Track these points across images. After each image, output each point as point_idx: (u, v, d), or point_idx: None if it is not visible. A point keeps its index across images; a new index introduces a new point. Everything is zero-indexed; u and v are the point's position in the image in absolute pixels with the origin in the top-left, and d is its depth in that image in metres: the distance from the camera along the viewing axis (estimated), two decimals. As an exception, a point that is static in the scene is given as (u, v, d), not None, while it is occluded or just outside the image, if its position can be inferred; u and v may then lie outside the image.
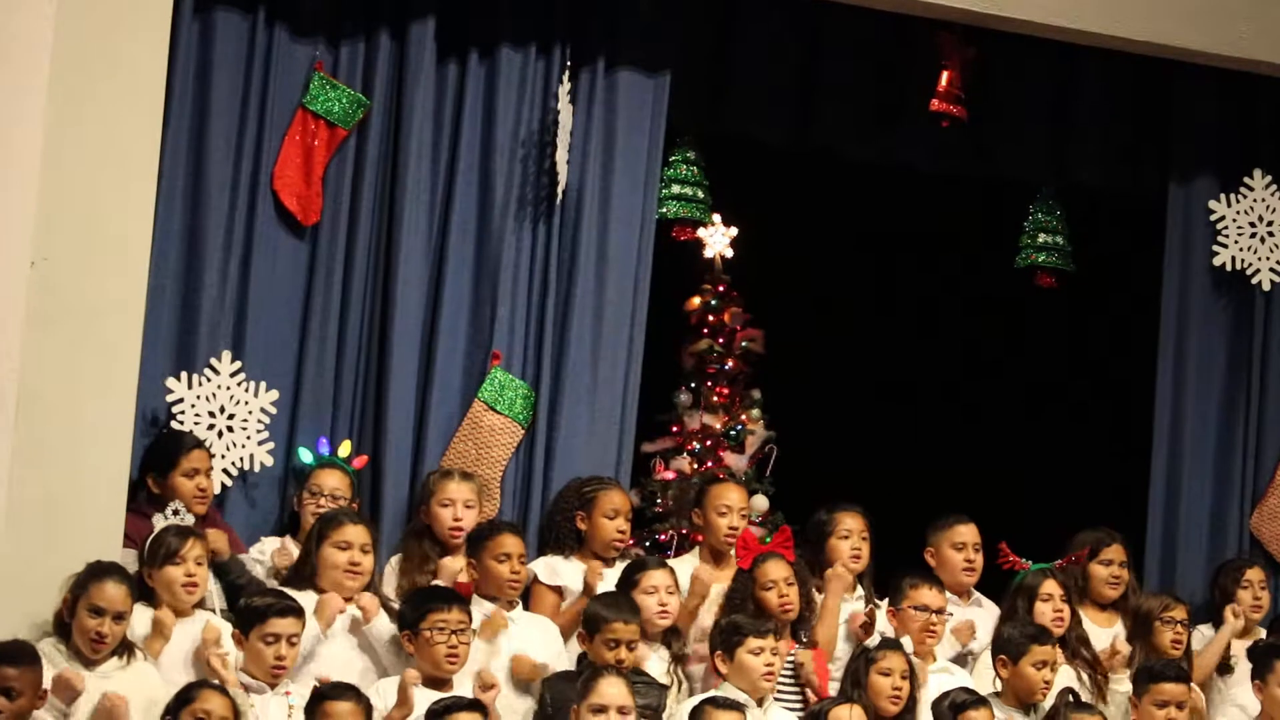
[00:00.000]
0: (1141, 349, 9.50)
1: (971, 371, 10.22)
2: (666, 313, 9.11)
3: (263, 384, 8.02)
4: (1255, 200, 9.39)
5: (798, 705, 7.68)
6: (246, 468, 7.99)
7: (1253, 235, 9.38)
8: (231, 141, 8.05)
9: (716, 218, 9.30)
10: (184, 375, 7.89)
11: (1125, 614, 8.59)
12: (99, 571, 6.85)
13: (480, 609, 7.48)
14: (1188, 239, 9.37)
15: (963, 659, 8.20)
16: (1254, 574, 8.88)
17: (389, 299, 8.28)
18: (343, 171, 8.24)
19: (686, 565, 8.11)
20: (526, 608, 7.81)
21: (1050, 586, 8.20)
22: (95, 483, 7.17)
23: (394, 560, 7.91)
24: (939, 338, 10.23)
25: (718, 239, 9.35)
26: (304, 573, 7.45)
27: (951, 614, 8.16)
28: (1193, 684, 8.16)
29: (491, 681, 7.16)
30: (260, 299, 8.08)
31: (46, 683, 6.59)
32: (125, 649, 6.87)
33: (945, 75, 9.00)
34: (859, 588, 8.26)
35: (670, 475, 9.08)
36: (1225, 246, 9.32)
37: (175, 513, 7.20)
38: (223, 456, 7.92)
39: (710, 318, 9.39)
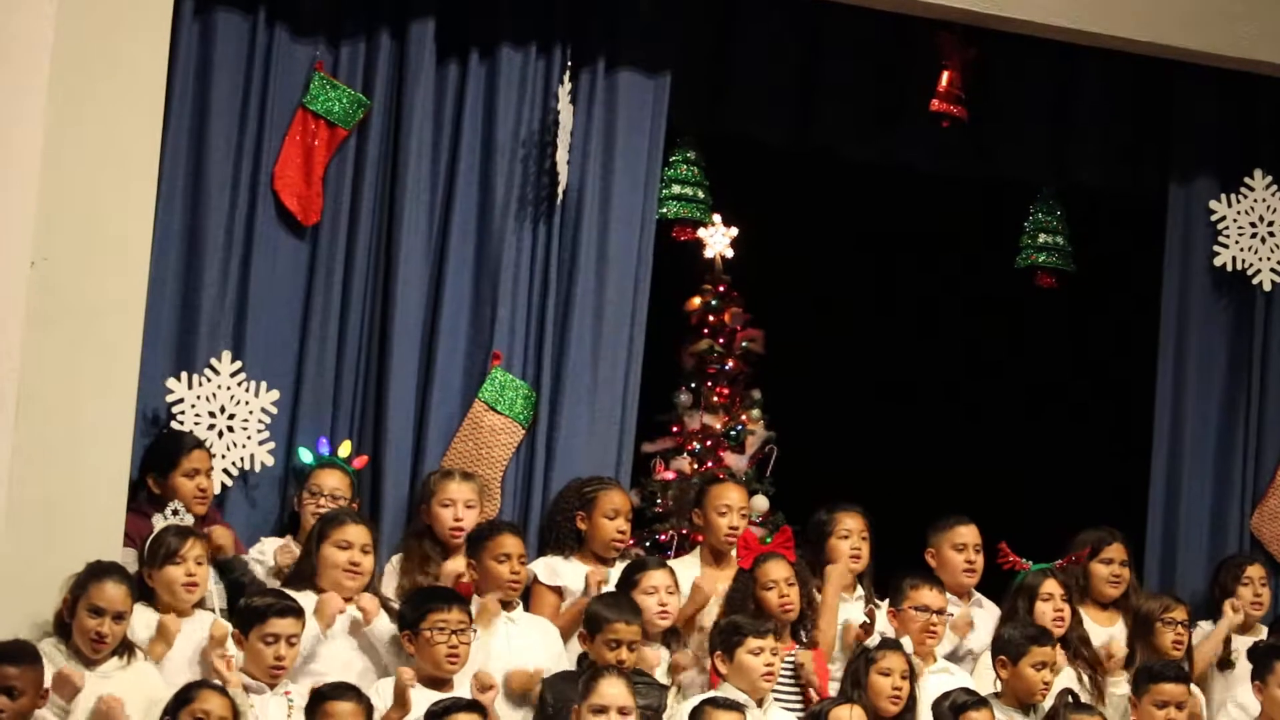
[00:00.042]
0: (1142, 349, 9.50)
1: (972, 372, 10.22)
2: (667, 313, 9.11)
3: (263, 384, 8.02)
4: (1256, 200, 9.39)
5: (797, 706, 7.67)
6: (247, 468, 8.00)
7: (1253, 235, 9.38)
8: (231, 141, 8.05)
9: (717, 218, 9.30)
10: (184, 375, 7.89)
11: (1126, 612, 8.59)
12: (99, 571, 6.85)
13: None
14: (1188, 239, 9.37)
15: (955, 655, 8.19)
16: (1254, 570, 8.89)
17: (389, 299, 8.29)
18: (343, 171, 8.24)
19: (687, 565, 8.12)
20: (527, 608, 7.81)
21: (1051, 586, 8.20)
22: (95, 483, 7.17)
23: (394, 560, 7.91)
24: (939, 338, 10.23)
25: (718, 239, 9.35)
26: (304, 572, 7.44)
27: (952, 614, 8.16)
28: (1192, 685, 8.16)
29: (490, 683, 7.16)
30: (260, 299, 8.08)
31: (48, 682, 6.59)
32: (125, 649, 6.87)
33: (945, 75, 9.00)
34: (859, 588, 8.27)
35: (670, 475, 9.08)
36: (1226, 247, 9.32)
37: (175, 513, 7.20)
38: (223, 456, 7.93)
39: (710, 318, 9.39)
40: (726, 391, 9.31)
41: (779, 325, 9.52)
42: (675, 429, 9.24)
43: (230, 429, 7.95)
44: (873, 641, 7.69)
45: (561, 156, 8.35)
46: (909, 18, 8.84)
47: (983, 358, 10.20)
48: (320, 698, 6.84)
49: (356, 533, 7.43)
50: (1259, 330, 9.41)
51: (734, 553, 8.15)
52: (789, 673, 7.68)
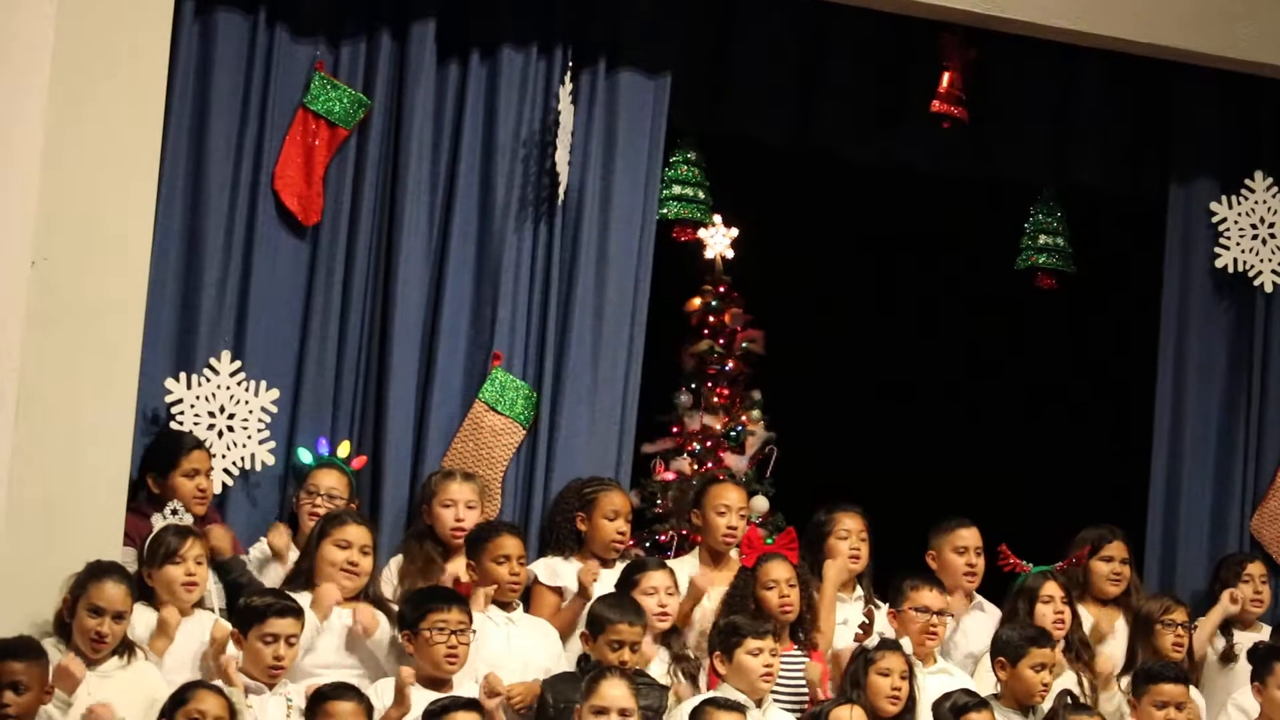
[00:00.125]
0: (1142, 350, 9.50)
1: (972, 372, 10.22)
2: (667, 313, 9.11)
3: (263, 383, 8.02)
4: (1256, 202, 9.39)
5: (797, 706, 7.67)
6: (247, 467, 8.00)
7: (1254, 237, 9.38)
8: (232, 141, 8.05)
9: (717, 218, 9.30)
10: (184, 375, 7.89)
11: (1127, 610, 8.59)
12: (98, 571, 6.85)
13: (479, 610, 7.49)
14: (1188, 240, 9.37)
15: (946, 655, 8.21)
16: (1255, 568, 8.90)
17: (389, 299, 8.29)
18: (343, 171, 8.25)
19: (686, 566, 8.11)
20: (527, 609, 7.81)
21: (1051, 589, 8.19)
22: (95, 483, 7.17)
23: (394, 562, 7.90)
24: (939, 338, 10.23)
25: (718, 240, 9.35)
26: (303, 572, 7.44)
27: (953, 615, 8.16)
28: (1192, 688, 8.17)
29: (499, 689, 7.16)
30: (261, 299, 8.09)
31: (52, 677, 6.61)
32: (126, 648, 6.87)
33: (946, 76, 8.99)
34: (858, 588, 8.27)
35: (670, 476, 9.08)
36: (1227, 248, 9.32)
37: (174, 512, 7.20)
38: (223, 456, 7.93)
39: (711, 318, 9.39)
40: (727, 392, 9.31)
41: (779, 326, 9.51)
42: (675, 430, 9.24)
43: (230, 429, 7.96)
44: (872, 642, 7.68)
45: (562, 157, 8.36)
46: (910, 18, 8.84)
47: (983, 358, 10.21)
48: (320, 698, 6.84)
49: (357, 533, 7.43)
50: (1259, 331, 9.41)
51: (733, 553, 8.16)
52: (788, 673, 7.68)
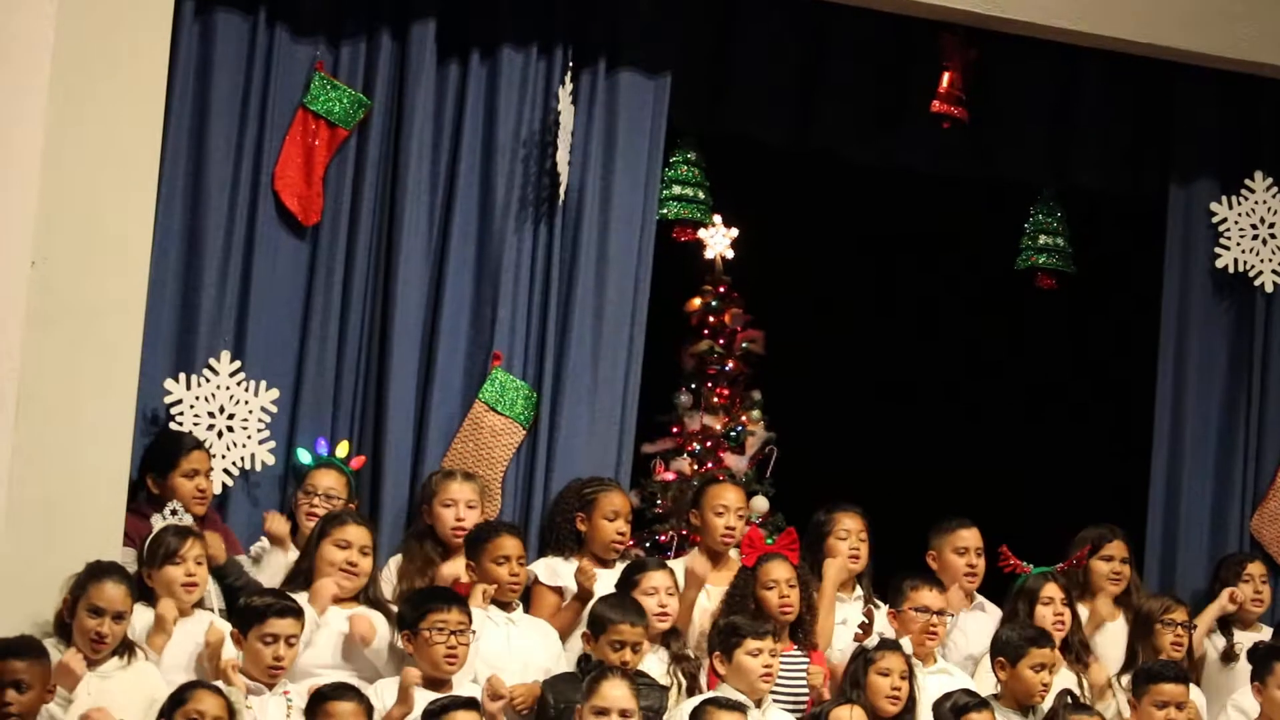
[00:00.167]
0: (1142, 350, 9.50)
1: (972, 372, 10.21)
2: (667, 313, 9.11)
3: (263, 383, 8.02)
4: (1256, 202, 9.39)
5: (796, 707, 7.67)
6: (247, 467, 8.00)
7: (1254, 237, 9.38)
8: (232, 141, 8.05)
9: (717, 218, 9.30)
10: (183, 376, 7.89)
11: (1128, 610, 8.59)
12: (98, 571, 6.85)
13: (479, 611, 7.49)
14: (1188, 241, 9.37)
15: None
16: (1255, 568, 8.91)
17: (389, 299, 8.29)
18: (343, 172, 8.25)
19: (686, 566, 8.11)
20: (527, 609, 7.80)
21: (1051, 590, 8.19)
22: (95, 483, 7.17)
23: (393, 561, 7.90)
24: (939, 339, 10.22)
25: (718, 240, 9.35)
26: (302, 572, 7.44)
27: (953, 615, 8.16)
28: (1192, 686, 8.18)
29: (502, 691, 7.16)
30: (261, 299, 8.09)
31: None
32: (126, 649, 6.87)
33: (946, 76, 8.99)
34: (857, 588, 8.27)
35: (670, 476, 9.08)
36: (1227, 249, 9.32)
37: (174, 513, 7.20)
38: (223, 456, 7.93)
39: (711, 319, 9.39)
40: (726, 392, 9.31)
41: (779, 326, 9.51)
42: (675, 430, 9.24)
43: (230, 429, 7.96)
44: (871, 642, 7.68)
45: (563, 157, 8.35)
46: (910, 19, 8.84)
47: (983, 358, 10.20)
48: (320, 698, 6.85)
49: (357, 533, 7.43)
50: (1259, 331, 9.41)
51: (732, 553, 8.16)
52: (787, 674, 7.68)
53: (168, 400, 7.86)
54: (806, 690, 7.72)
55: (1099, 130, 9.36)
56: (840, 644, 7.96)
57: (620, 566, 7.97)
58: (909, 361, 10.12)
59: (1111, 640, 8.51)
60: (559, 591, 7.95)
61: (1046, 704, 7.79)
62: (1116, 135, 9.39)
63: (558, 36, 8.49)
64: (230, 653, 6.96)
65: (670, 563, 8.05)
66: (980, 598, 8.48)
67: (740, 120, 9.03)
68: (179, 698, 6.64)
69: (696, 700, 7.32)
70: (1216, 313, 9.39)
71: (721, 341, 9.35)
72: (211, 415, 7.92)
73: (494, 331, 8.36)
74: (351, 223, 8.24)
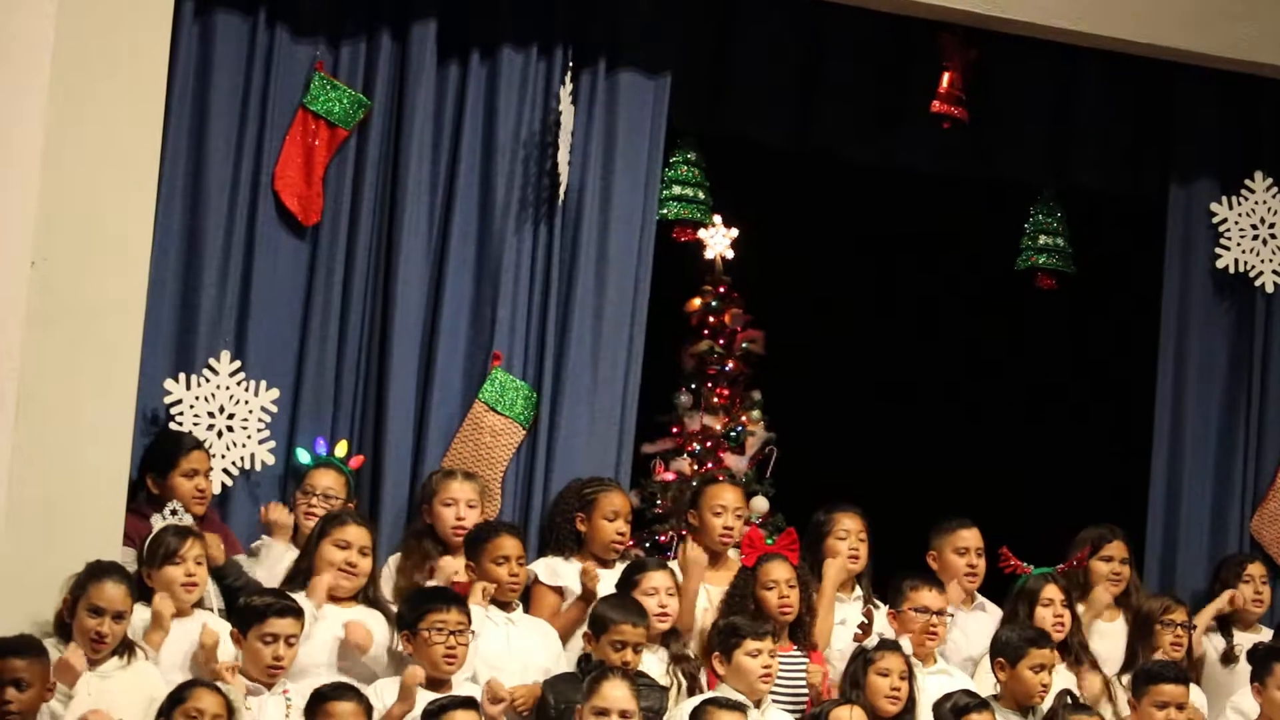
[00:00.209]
0: (1142, 350, 9.50)
1: (972, 372, 10.21)
2: (667, 314, 9.11)
3: (263, 383, 8.02)
4: (1257, 203, 9.40)
5: (795, 707, 7.67)
6: (247, 467, 8.00)
7: (1255, 237, 9.38)
8: (231, 141, 8.05)
9: (717, 219, 9.30)
10: (183, 376, 7.89)
11: (1127, 610, 8.59)
12: (98, 571, 6.85)
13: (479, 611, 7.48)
14: (1188, 241, 9.37)
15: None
16: (1255, 569, 8.91)
17: (389, 299, 8.29)
18: (343, 172, 8.25)
19: (686, 564, 8.13)
20: (527, 609, 7.80)
21: (1051, 591, 8.19)
22: (95, 483, 7.17)
23: (393, 560, 7.90)
24: (939, 339, 10.22)
25: (718, 240, 9.35)
26: (302, 572, 7.43)
27: (953, 615, 8.16)
28: (1193, 686, 8.18)
29: (502, 694, 7.16)
30: (261, 299, 8.09)
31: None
32: (126, 648, 6.87)
33: (946, 77, 8.99)
34: (857, 588, 8.27)
35: (670, 476, 9.08)
36: (1228, 249, 9.32)
37: (174, 513, 7.20)
38: (223, 456, 7.93)
39: (711, 319, 9.38)
40: (726, 392, 9.31)
41: (779, 326, 9.51)
42: (675, 430, 9.23)
43: (230, 429, 7.96)
44: (871, 642, 7.68)
45: (563, 157, 8.35)
46: (909, 19, 8.84)
47: (983, 358, 10.20)
48: (320, 698, 6.85)
49: (356, 534, 7.42)
50: (1259, 332, 9.42)
51: (731, 553, 8.16)
52: (787, 674, 7.67)
53: (168, 400, 7.86)
54: (806, 690, 7.72)
55: (1099, 130, 9.36)
56: (839, 644, 7.96)
57: (620, 567, 7.96)
58: (909, 361, 10.12)
59: (1111, 641, 8.51)
60: (559, 591, 7.95)
61: (1046, 704, 7.79)
62: (1116, 135, 9.39)
63: (558, 36, 8.49)
64: (226, 654, 6.96)
65: (670, 563, 8.05)
66: (981, 598, 8.48)
67: (740, 120, 9.02)
68: (178, 696, 6.64)
69: (696, 700, 7.32)
70: (1217, 313, 9.39)
71: (721, 341, 9.35)
72: (211, 415, 7.93)
73: (494, 331, 8.36)
74: (351, 223, 8.24)
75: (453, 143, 8.39)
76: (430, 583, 7.70)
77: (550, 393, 8.42)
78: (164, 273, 7.83)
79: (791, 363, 9.59)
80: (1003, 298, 10.00)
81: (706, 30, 8.90)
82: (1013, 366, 10.23)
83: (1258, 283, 9.37)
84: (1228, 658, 8.63)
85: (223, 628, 7.09)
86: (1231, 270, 9.34)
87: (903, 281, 10.29)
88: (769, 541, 8.05)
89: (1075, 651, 8.20)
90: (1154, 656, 8.27)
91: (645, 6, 8.63)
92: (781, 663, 7.59)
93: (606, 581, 7.86)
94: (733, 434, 9.23)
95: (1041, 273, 9.69)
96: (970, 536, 8.45)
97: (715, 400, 9.26)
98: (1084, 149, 9.39)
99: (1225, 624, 8.77)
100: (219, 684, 6.75)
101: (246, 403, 7.99)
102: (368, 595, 7.46)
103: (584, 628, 7.55)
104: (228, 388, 7.96)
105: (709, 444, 9.18)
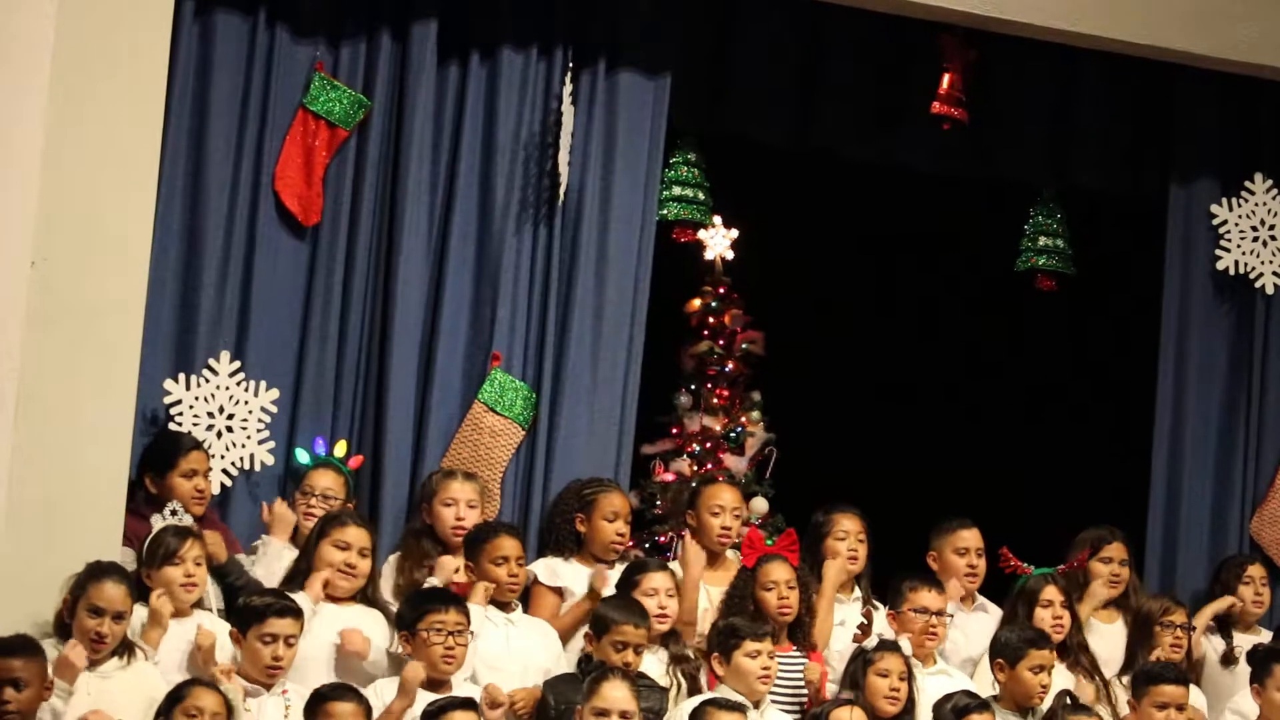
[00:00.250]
0: (1142, 351, 9.50)
1: (972, 373, 10.22)
2: (667, 314, 9.11)
3: (262, 383, 8.02)
4: (1257, 204, 9.40)
5: (794, 707, 7.67)
6: (247, 467, 8.00)
7: (1255, 239, 9.38)
8: (231, 142, 8.05)
9: (717, 219, 9.30)
10: (182, 376, 7.89)
11: (1127, 611, 8.60)
12: (98, 572, 6.85)
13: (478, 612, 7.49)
14: (1188, 242, 9.37)
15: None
16: (1255, 570, 8.91)
17: (389, 299, 8.29)
18: (343, 172, 8.25)
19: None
20: (526, 609, 7.80)
21: (1051, 593, 8.18)
22: (95, 483, 7.17)
23: (393, 559, 7.90)
24: (939, 339, 10.22)
25: (718, 241, 9.35)
26: (301, 572, 7.43)
27: (952, 616, 8.16)
28: (1193, 687, 8.18)
29: (500, 699, 7.16)
30: (261, 299, 8.09)
31: (52, 673, 6.61)
32: (126, 649, 6.87)
33: (946, 77, 9.00)
34: (856, 589, 8.27)
35: (670, 477, 9.08)
36: (1228, 250, 9.32)
37: (173, 513, 7.20)
38: (222, 457, 7.93)
39: (710, 319, 9.39)
40: (726, 393, 9.31)
41: (779, 327, 9.51)
42: (675, 431, 9.24)
43: (229, 429, 7.96)
44: (870, 643, 7.68)
45: (563, 158, 8.35)
46: (909, 19, 8.84)
47: (983, 359, 10.20)
48: (320, 698, 6.85)
49: (356, 535, 7.42)
50: (1259, 332, 9.42)
51: (729, 554, 8.16)
52: (785, 674, 7.67)
53: (167, 400, 7.86)
54: (804, 691, 7.71)
55: (1099, 130, 9.36)
56: (839, 645, 7.96)
57: (620, 567, 7.96)
58: (909, 362, 10.12)
59: (1110, 642, 8.51)
60: (558, 592, 7.95)
61: (1045, 705, 7.79)
62: (1116, 136, 9.39)
63: (558, 37, 8.49)
64: (224, 655, 6.95)
65: (671, 563, 8.06)
66: (982, 598, 8.48)
67: (740, 120, 9.02)
68: (176, 695, 6.65)
69: (696, 701, 7.32)
70: (1217, 314, 9.39)
71: (721, 342, 9.36)
72: (211, 415, 7.92)
73: (494, 331, 8.36)
74: (351, 223, 8.24)
75: (453, 143, 8.39)
76: (430, 582, 7.70)
77: (550, 393, 8.42)
78: (164, 273, 7.83)
79: (791, 363, 9.59)
80: (1003, 298, 10.00)
81: (706, 30, 8.90)
82: (1013, 367, 10.23)
83: (1258, 284, 9.37)
84: (1227, 659, 8.63)
85: (221, 628, 7.09)
86: (1232, 272, 9.34)
87: (903, 281, 10.29)
88: (769, 542, 8.05)
89: (1074, 653, 8.20)
90: (1153, 657, 8.27)
91: (645, 6, 8.63)
92: (780, 663, 7.59)
93: (607, 582, 7.86)
94: (732, 435, 9.23)
95: (1041, 274, 9.69)
96: (970, 537, 8.45)
97: (715, 401, 9.27)
98: (1084, 149, 9.39)
99: (1225, 626, 8.77)
100: (220, 684, 6.75)
101: (246, 403, 7.99)
102: (367, 595, 7.46)
103: (585, 628, 7.55)
104: (227, 388, 7.96)
105: (709, 445, 9.18)
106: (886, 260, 10.21)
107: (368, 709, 6.87)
